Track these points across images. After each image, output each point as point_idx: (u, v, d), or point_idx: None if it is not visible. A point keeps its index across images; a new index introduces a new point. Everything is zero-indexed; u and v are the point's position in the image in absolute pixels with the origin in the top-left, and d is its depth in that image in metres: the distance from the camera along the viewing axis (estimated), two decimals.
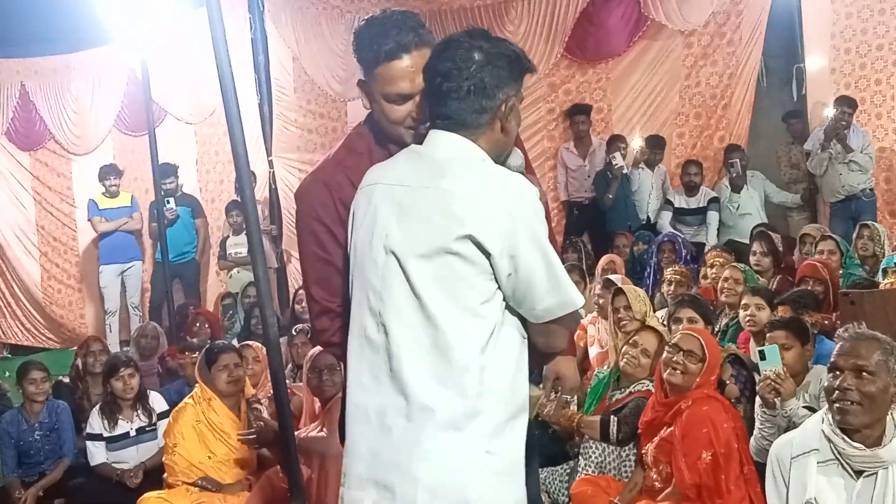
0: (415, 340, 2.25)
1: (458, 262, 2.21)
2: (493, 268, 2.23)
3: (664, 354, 4.28)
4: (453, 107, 2.31)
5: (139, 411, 5.69)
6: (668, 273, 6.57)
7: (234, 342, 6.39)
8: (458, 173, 2.26)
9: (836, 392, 3.06)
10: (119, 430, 5.63)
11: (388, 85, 2.49)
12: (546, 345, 2.43)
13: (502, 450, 2.29)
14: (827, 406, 3.16)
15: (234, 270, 9.53)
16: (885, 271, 5.84)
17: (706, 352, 4.15)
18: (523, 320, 2.36)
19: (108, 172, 9.84)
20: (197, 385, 5.14)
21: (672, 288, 6.33)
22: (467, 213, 2.20)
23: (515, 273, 2.23)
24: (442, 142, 2.34)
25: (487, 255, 2.21)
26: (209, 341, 6.50)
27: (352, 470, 2.37)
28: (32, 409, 5.83)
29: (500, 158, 2.40)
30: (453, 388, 2.23)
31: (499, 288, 2.27)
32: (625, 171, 8.87)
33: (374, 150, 2.63)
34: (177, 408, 5.22)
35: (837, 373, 3.10)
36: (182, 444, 4.93)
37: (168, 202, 9.00)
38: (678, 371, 4.14)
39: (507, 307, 2.31)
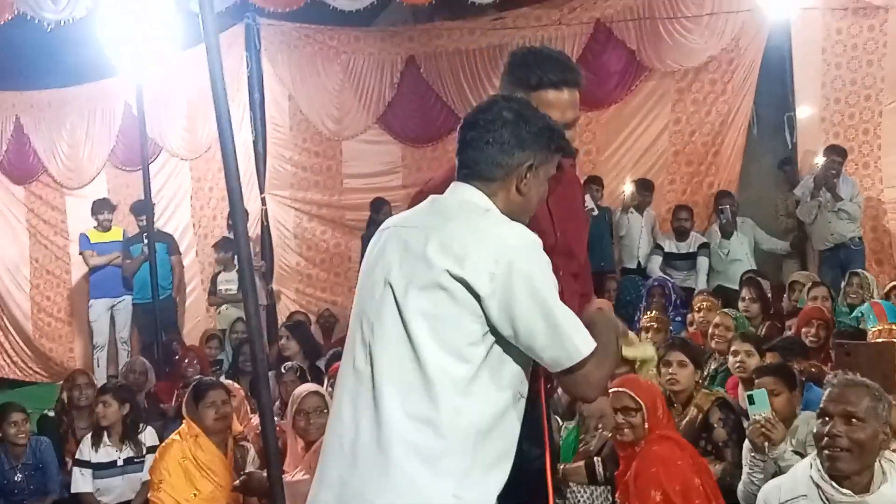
0: (399, 373, 2.26)
1: (446, 299, 2.23)
2: (483, 311, 2.23)
3: None
4: (471, 156, 2.39)
5: (128, 441, 5.66)
6: (645, 320, 6.56)
7: (222, 379, 6.36)
8: (463, 218, 2.31)
9: (826, 438, 3.07)
10: (107, 458, 5.61)
11: (541, 108, 2.58)
12: (574, 394, 2.44)
13: (469, 498, 2.25)
14: (816, 452, 3.16)
15: (223, 307, 9.52)
16: (857, 319, 5.89)
17: (638, 399, 4.14)
18: (535, 376, 2.35)
19: (102, 207, 9.83)
20: (184, 421, 5.12)
21: (650, 335, 6.32)
22: (460, 254, 2.22)
23: (513, 321, 2.23)
24: (458, 191, 2.41)
25: (477, 296, 2.22)
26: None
27: (318, 497, 2.36)
28: (14, 451, 5.75)
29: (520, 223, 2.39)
30: (428, 424, 2.23)
31: (490, 332, 2.26)
32: (595, 213, 8.85)
33: None
34: (163, 444, 5.19)
35: (827, 419, 3.10)
36: (168, 481, 4.88)
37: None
38: (625, 429, 4.15)
39: (513, 361, 2.30)
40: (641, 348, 2.52)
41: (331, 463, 2.36)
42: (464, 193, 2.39)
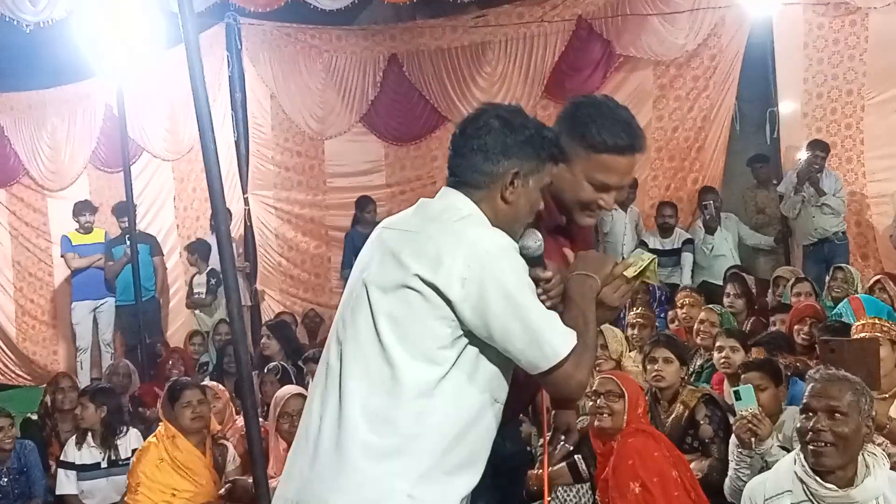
0: (366, 372, 2.26)
1: (417, 302, 2.22)
2: (456, 315, 2.21)
3: (588, 405, 4.29)
4: (458, 163, 2.38)
5: (110, 444, 5.61)
6: (631, 316, 6.55)
7: (207, 380, 6.34)
8: (441, 222, 2.30)
9: (810, 433, 3.06)
10: (91, 460, 5.57)
11: (601, 171, 2.53)
12: (556, 394, 2.40)
13: (426, 499, 2.22)
14: (800, 447, 3.16)
15: (196, 310, 9.60)
16: (838, 316, 5.90)
17: (623, 387, 4.17)
18: (516, 380, 2.32)
19: (83, 209, 9.79)
20: (161, 423, 5.10)
21: (636, 331, 6.32)
22: (433, 258, 2.21)
23: (487, 325, 2.21)
24: (444, 196, 2.40)
25: (448, 301, 2.20)
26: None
27: (282, 489, 2.38)
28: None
29: (511, 233, 2.34)
30: (387, 424, 2.22)
31: (464, 335, 2.24)
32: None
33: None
34: (140, 447, 5.18)
35: (810, 414, 3.09)
36: (145, 483, 4.86)
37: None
38: (604, 414, 4.16)
39: (490, 364, 2.28)
40: (637, 260, 2.45)
41: (296, 457, 2.37)
42: (449, 198, 2.37)
